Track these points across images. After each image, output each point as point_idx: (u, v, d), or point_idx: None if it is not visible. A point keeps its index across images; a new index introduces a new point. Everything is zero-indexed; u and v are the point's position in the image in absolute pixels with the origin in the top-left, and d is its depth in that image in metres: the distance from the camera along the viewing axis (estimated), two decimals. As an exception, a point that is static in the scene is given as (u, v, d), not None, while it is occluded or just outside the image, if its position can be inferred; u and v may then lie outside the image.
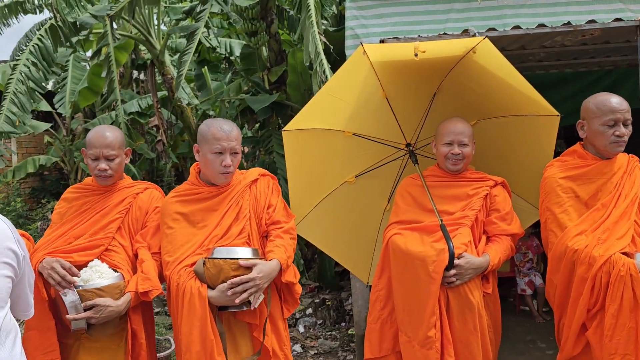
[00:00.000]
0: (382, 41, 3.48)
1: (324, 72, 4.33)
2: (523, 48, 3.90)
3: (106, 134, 2.52)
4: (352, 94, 2.89)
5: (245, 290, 2.24)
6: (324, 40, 4.46)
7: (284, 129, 2.89)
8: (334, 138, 2.95)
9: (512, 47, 3.83)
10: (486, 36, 2.57)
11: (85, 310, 2.26)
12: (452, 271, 2.43)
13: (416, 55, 2.60)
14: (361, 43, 2.71)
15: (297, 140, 2.92)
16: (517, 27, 3.28)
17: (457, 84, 2.85)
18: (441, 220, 2.57)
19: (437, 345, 2.43)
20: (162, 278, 2.48)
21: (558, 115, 2.71)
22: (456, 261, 2.44)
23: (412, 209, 2.75)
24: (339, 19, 6.09)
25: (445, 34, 3.48)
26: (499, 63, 2.60)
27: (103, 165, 2.50)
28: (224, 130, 2.40)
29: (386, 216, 3.03)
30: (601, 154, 2.51)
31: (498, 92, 2.78)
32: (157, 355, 2.86)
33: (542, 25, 3.30)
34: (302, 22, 5.00)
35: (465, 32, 3.34)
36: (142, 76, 9.80)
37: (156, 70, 7.16)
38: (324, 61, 4.31)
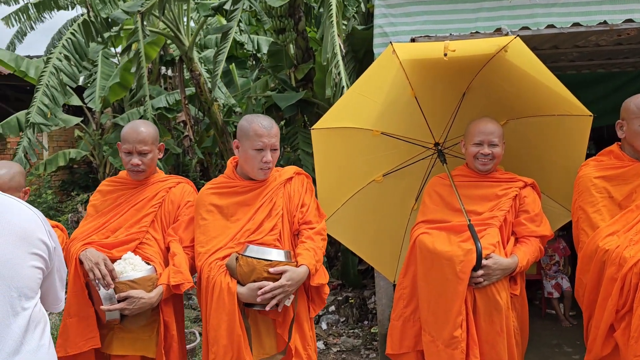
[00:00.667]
0: (413, 40, 3.46)
1: (339, 73, 4.33)
2: (555, 48, 3.84)
3: (140, 129, 2.57)
4: (381, 92, 2.88)
5: (273, 296, 2.27)
6: (340, 43, 4.43)
7: (313, 127, 2.90)
8: (362, 137, 2.95)
9: (544, 46, 3.77)
10: (517, 35, 2.54)
11: (118, 301, 2.31)
12: (480, 271, 2.42)
13: (445, 54, 2.58)
14: (390, 42, 2.70)
15: (326, 138, 2.93)
16: (551, 26, 3.22)
17: (487, 83, 2.83)
18: (469, 220, 2.56)
19: (462, 345, 2.42)
20: (193, 270, 2.52)
21: (591, 116, 2.67)
22: (484, 261, 2.43)
23: (439, 209, 2.74)
24: (367, 17, 6.06)
25: (477, 32, 3.43)
26: (531, 62, 2.56)
27: (136, 160, 2.55)
28: (264, 127, 2.43)
29: (414, 215, 3.02)
30: (639, 155, 2.47)
31: (529, 91, 2.75)
32: (184, 347, 2.90)
33: (577, 24, 3.24)
34: (322, 21, 5.00)
35: (498, 31, 3.29)
36: (169, 72, 9.93)
37: (184, 66, 7.25)
38: (340, 63, 4.30)
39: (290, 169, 2.64)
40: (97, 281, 2.32)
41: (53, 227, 2.66)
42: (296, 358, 2.42)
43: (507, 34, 2.60)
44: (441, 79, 2.84)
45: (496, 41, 2.62)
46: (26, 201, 2.66)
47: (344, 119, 2.91)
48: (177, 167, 9.45)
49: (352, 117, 2.92)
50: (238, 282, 2.32)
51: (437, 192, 2.79)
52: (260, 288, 2.26)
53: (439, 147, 2.97)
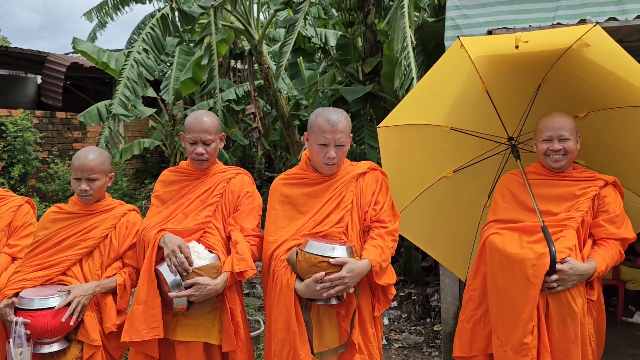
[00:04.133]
0: (489, 32, 3.33)
1: (408, 65, 4.24)
2: (644, 39, 3.58)
3: (204, 119, 2.63)
4: (450, 87, 2.81)
5: (333, 287, 2.25)
6: (411, 35, 4.34)
7: (379, 125, 2.88)
8: (431, 133, 2.89)
9: (631, 38, 3.51)
10: (597, 22, 2.39)
11: (185, 288, 2.37)
12: (554, 276, 2.30)
13: (517, 47, 2.47)
14: (458, 37, 2.63)
15: (393, 136, 2.90)
16: (641, 16, 3.00)
17: (564, 74, 2.67)
18: (543, 222, 2.44)
19: (532, 352, 2.31)
20: (255, 258, 2.55)
21: None
22: (559, 266, 2.31)
23: (512, 207, 2.63)
24: (438, 10, 5.94)
25: (559, 23, 3.24)
26: (612, 51, 2.39)
27: (200, 149, 2.61)
28: (329, 123, 2.39)
29: (486, 212, 2.93)
30: None
31: (611, 81, 2.56)
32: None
33: (671, 13, 2.99)
34: (392, 11, 4.91)
35: (582, 22, 3.10)
36: (238, 65, 10.15)
37: (254, 59, 7.37)
38: (411, 54, 4.22)
39: (365, 164, 2.61)
40: (174, 267, 2.38)
41: (131, 210, 2.79)
42: (358, 354, 2.40)
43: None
44: (514, 72, 2.73)
45: (573, 31, 2.47)
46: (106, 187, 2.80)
47: (411, 115, 2.86)
48: (243, 158, 9.66)
49: (419, 114, 2.86)
50: (298, 277, 2.33)
51: (509, 190, 2.68)
52: (318, 282, 2.25)
53: (513, 142, 2.86)
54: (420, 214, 3.04)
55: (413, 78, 4.13)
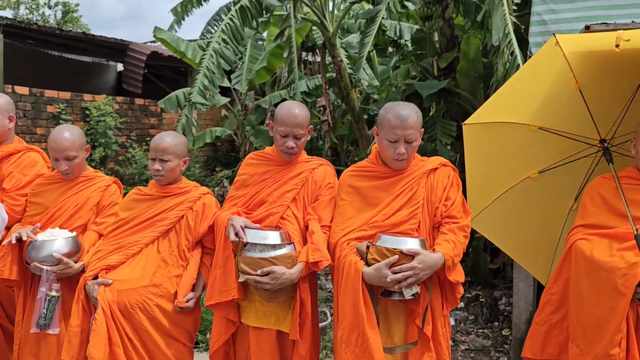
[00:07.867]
0: (587, 27, 3.18)
1: (512, 53, 4.15)
2: None
3: (296, 112, 2.64)
4: (540, 86, 2.71)
5: (404, 277, 2.23)
6: (514, 20, 4.23)
7: (465, 122, 2.83)
8: (518, 132, 2.79)
9: None
10: None
11: (263, 275, 2.40)
12: None
13: (617, 45, 2.33)
14: (553, 34, 2.52)
15: (478, 133, 2.83)
16: None
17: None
18: (636, 230, 2.31)
19: None
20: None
21: None
22: None
23: (602, 213, 2.50)
24: (522, 4, 5.73)
25: (666, 19, 3.04)
26: None
27: (291, 143, 2.64)
28: (399, 118, 2.37)
29: (572, 216, 2.81)
30: None
31: None
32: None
33: None
34: (489, 1, 4.80)
35: (692, 18, 2.90)
36: (309, 57, 10.22)
37: (327, 52, 7.40)
38: (514, 41, 4.13)
39: (436, 160, 2.58)
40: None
41: (205, 194, 2.87)
42: (427, 352, 2.37)
43: None
44: (611, 71, 2.59)
45: None
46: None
47: (498, 113, 2.79)
48: (310, 151, 9.74)
49: (507, 112, 2.78)
50: (366, 264, 2.32)
51: (600, 194, 2.55)
52: (390, 264, 2.23)
53: (605, 145, 2.72)
54: (502, 214, 2.95)
55: (519, 65, 4.02)
